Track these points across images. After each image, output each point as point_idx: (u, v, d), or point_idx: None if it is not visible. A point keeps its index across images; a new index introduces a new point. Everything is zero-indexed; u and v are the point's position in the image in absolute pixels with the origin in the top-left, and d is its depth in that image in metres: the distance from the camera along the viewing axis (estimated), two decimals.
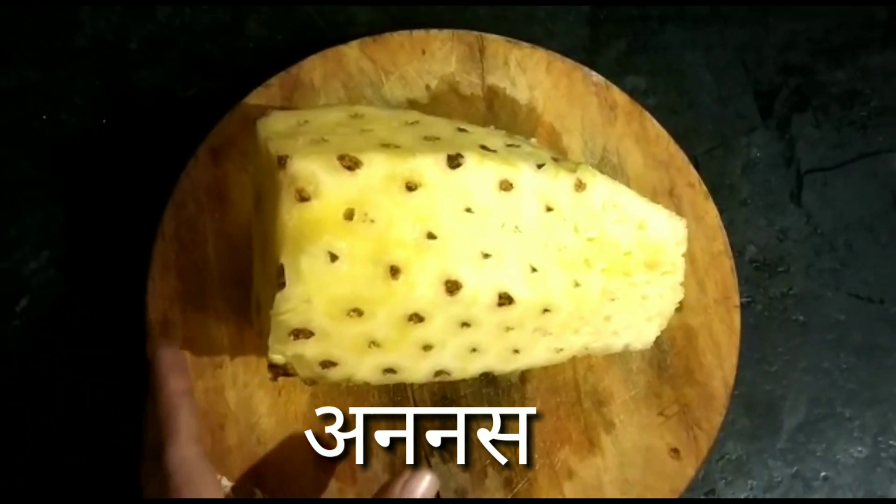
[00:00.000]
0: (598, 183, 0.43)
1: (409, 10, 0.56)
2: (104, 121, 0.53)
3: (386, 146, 0.39)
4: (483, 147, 0.41)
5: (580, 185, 0.42)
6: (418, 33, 0.53)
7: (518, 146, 0.43)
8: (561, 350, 0.45)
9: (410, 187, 0.38)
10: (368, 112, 0.44)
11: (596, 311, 0.44)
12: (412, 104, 0.52)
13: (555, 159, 0.43)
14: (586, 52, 0.57)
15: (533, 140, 0.49)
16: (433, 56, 0.53)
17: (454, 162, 0.38)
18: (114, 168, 0.52)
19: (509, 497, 0.49)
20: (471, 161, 0.39)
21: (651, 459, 0.50)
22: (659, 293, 0.46)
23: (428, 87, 0.53)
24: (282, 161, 0.37)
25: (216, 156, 0.50)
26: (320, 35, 0.55)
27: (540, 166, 0.41)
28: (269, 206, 0.39)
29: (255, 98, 0.51)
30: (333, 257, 0.37)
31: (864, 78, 0.60)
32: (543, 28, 0.57)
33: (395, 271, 0.37)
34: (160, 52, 0.54)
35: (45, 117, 0.53)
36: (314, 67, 0.52)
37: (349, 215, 0.37)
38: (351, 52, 0.52)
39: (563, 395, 0.50)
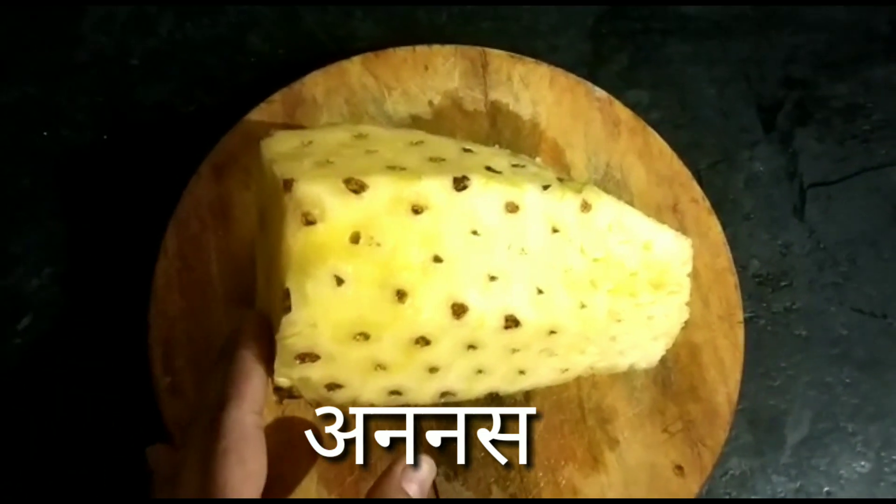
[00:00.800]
0: (604, 203, 0.43)
1: (410, 24, 0.56)
2: (105, 136, 0.53)
3: (392, 168, 0.38)
4: (489, 168, 0.41)
5: (586, 206, 0.42)
6: (421, 49, 0.53)
7: (523, 166, 0.43)
8: (566, 370, 0.45)
9: (416, 210, 0.38)
10: (372, 132, 0.44)
11: (602, 332, 0.44)
12: (415, 120, 0.52)
13: (560, 179, 0.43)
14: (588, 67, 0.57)
15: (538, 159, 0.49)
16: (436, 71, 0.53)
17: (460, 184, 0.38)
18: (116, 184, 0.52)
19: None
20: (477, 183, 0.39)
21: (655, 477, 0.50)
22: (665, 313, 0.46)
23: (431, 102, 0.53)
24: (287, 184, 0.37)
25: (219, 173, 0.50)
26: (322, 49, 0.55)
27: (546, 187, 0.41)
28: (274, 227, 0.39)
29: (257, 114, 0.51)
30: (339, 281, 0.36)
31: (866, 91, 0.60)
32: (545, 42, 0.57)
33: (401, 295, 0.37)
34: (161, 67, 0.54)
35: (45, 133, 0.53)
36: (316, 83, 0.52)
37: (355, 239, 0.37)
38: (353, 67, 0.52)
39: (567, 413, 0.50)
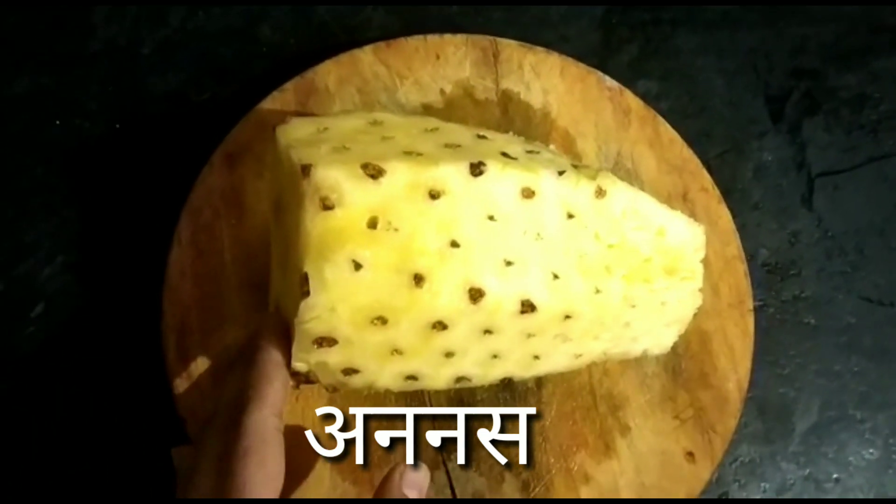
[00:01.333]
0: (618, 190, 0.43)
1: (421, 14, 0.56)
2: (118, 126, 0.53)
3: (408, 154, 0.39)
4: (504, 154, 0.41)
5: (600, 192, 0.42)
6: (433, 38, 0.53)
7: (538, 153, 0.43)
8: (580, 356, 0.45)
9: (433, 195, 0.38)
10: (388, 119, 0.44)
11: (616, 318, 0.44)
12: (427, 109, 0.52)
13: (574, 166, 0.43)
14: (598, 57, 0.57)
15: (551, 146, 0.49)
16: (447, 61, 0.53)
17: (477, 170, 0.39)
18: (128, 173, 0.52)
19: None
20: (493, 169, 0.39)
21: (667, 463, 0.50)
22: (678, 299, 0.47)
23: (443, 91, 0.53)
24: (305, 170, 0.37)
25: (232, 161, 0.50)
26: (334, 39, 0.55)
27: (561, 173, 0.41)
28: (291, 213, 0.39)
29: (269, 103, 0.51)
30: (357, 266, 0.37)
31: (873, 82, 0.60)
32: (556, 32, 0.57)
33: (418, 279, 0.37)
34: (173, 56, 0.54)
35: (58, 122, 0.53)
36: (329, 72, 0.52)
37: (373, 224, 0.37)
38: (365, 56, 0.52)
39: (578, 400, 0.50)
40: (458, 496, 0.48)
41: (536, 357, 0.44)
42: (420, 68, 0.53)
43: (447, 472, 0.49)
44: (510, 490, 0.49)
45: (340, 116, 0.45)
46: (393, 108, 0.52)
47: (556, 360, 0.45)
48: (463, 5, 0.57)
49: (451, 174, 0.38)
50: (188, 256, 0.49)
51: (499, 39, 0.54)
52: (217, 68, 0.54)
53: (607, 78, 0.54)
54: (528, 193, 0.40)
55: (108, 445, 0.50)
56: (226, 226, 0.49)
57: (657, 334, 0.47)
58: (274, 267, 0.46)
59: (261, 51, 0.55)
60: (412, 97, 0.52)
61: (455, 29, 0.54)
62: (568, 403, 0.50)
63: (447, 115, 0.52)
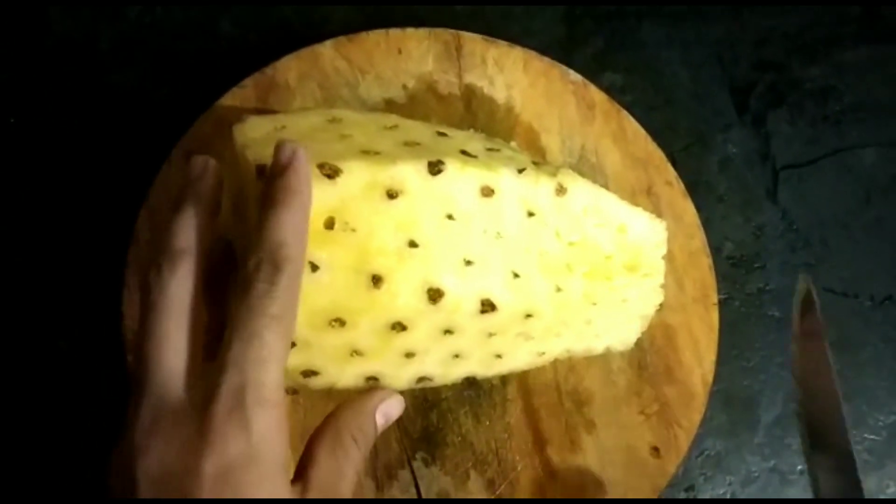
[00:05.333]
0: (579, 187, 0.43)
1: (384, 8, 0.56)
2: (75, 122, 0.52)
3: (366, 153, 0.38)
4: (463, 152, 0.40)
5: (561, 190, 0.42)
6: (394, 32, 0.52)
7: (498, 150, 0.43)
8: (543, 354, 0.45)
9: (391, 195, 0.37)
10: (346, 116, 0.43)
11: (578, 316, 0.44)
12: (389, 104, 0.52)
13: (535, 163, 0.43)
14: (563, 50, 0.57)
15: (513, 143, 0.49)
16: (409, 55, 0.52)
17: (435, 168, 0.38)
18: (87, 171, 0.52)
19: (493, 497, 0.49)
20: (452, 167, 0.39)
21: (632, 458, 0.50)
22: (639, 295, 0.47)
23: (405, 86, 0.52)
24: (261, 170, 0.37)
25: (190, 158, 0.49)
26: (295, 34, 0.55)
27: (521, 171, 0.41)
28: (248, 213, 0.39)
29: (229, 99, 0.50)
30: (314, 267, 0.36)
31: (837, 74, 0.60)
32: (520, 26, 0.57)
33: (377, 280, 0.37)
34: (131, 52, 0.53)
35: (13, 120, 0.52)
36: (289, 68, 0.51)
37: (329, 224, 0.37)
38: (326, 51, 0.51)
39: (544, 397, 0.50)
40: (424, 495, 0.48)
41: (498, 356, 0.43)
42: (382, 63, 0.52)
43: (412, 471, 0.49)
44: (475, 488, 0.49)
45: (299, 114, 0.44)
46: (355, 103, 0.51)
47: (518, 358, 0.45)
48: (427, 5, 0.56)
49: (409, 173, 0.38)
50: (147, 255, 0.48)
51: (461, 33, 0.53)
52: (176, 64, 0.54)
53: (571, 72, 0.54)
54: (487, 192, 0.40)
55: (65, 448, 0.49)
56: None
57: (620, 330, 0.47)
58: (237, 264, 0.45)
59: (221, 46, 0.54)
60: (374, 92, 0.52)
61: (418, 23, 0.53)
62: (534, 400, 0.50)
63: (410, 110, 0.52)
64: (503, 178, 0.40)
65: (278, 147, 0.35)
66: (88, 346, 0.50)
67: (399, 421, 0.43)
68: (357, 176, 0.37)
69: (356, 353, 0.39)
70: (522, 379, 0.50)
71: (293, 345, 0.37)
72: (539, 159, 0.46)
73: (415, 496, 0.48)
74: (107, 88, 0.53)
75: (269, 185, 0.35)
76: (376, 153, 0.38)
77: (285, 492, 0.32)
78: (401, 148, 0.40)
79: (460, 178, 0.39)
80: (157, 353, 0.33)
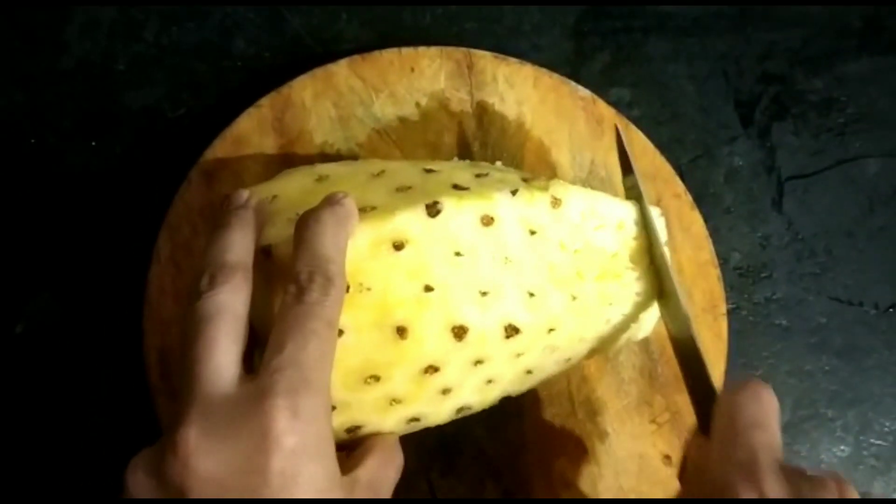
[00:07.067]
0: (572, 195, 0.43)
1: (395, 26, 0.57)
2: (93, 143, 0.53)
3: (363, 210, 0.39)
4: (455, 186, 0.41)
5: (556, 202, 0.43)
6: (407, 51, 0.53)
7: (487, 174, 0.43)
8: (569, 360, 0.46)
9: (397, 246, 0.38)
10: (332, 171, 0.44)
11: (597, 318, 0.45)
12: (403, 122, 0.53)
13: (524, 179, 0.43)
14: (571, 65, 0.58)
15: (498, 163, 0.50)
16: (422, 73, 0.53)
17: (433, 210, 0.39)
18: (105, 191, 0.52)
19: None
20: (448, 205, 0.39)
21: (644, 467, 0.51)
22: (651, 285, 0.47)
23: (418, 104, 0.53)
24: (266, 252, 0.38)
25: (209, 178, 0.50)
26: (308, 52, 0.56)
27: (514, 192, 0.41)
28: (262, 288, 0.38)
29: (246, 119, 0.51)
30: (340, 332, 0.37)
31: (840, 85, 0.61)
32: (529, 42, 0.58)
33: (401, 331, 0.38)
34: (148, 72, 0.54)
35: (33, 141, 0.53)
36: (304, 87, 0.52)
37: (346, 289, 0.37)
38: (340, 70, 0.52)
39: (557, 407, 0.51)
40: None
41: (529, 371, 0.44)
42: (395, 81, 0.53)
43: (429, 481, 0.50)
44: (491, 497, 0.50)
45: (285, 179, 0.45)
46: (369, 121, 0.52)
47: (547, 369, 0.46)
48: (436, 16, 0.57)
49: (410, 221, 0.39)
50: (168, 274, 0.49)
51: (472, 51, 0.54)
52: (192, 83, 0.54)
53: (580, 87, 0.55)
54: (487, 221, 0.40)
55: (91, 466, 0.50)
56: (205, 242, 0.49)
57: (639, 321, 0.48)
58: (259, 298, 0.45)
59: (235, 65, 0.55)
60: (388, 110, 0.53)
61: (429, 40, 0.54)
62: (547, 410, 0.51)
63: (423, 127, 0.53)
64: (499, 203, 0.41)
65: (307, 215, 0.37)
66: (111, 365, 0.51)
67: (415, 433, 0.44)
68: (361, 236, 0.38)
69: (395, 401, 0.40)
70: (536, 390, 0.51)
71: (333, 408, 0.38)
72: (528, 175, 0.46)
73: None
74: (124, 108, 0.54)
75: (311, 210, 0.37)
76: (373, 208, 0.39)
77: (338, 488, 0.34)
78: (394, 196, 0.40)
79: (458, 213, 0.39)
80: (207, 356, 0.34)
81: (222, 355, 0.34)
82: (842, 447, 0.57)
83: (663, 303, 0.46)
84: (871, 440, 0.57)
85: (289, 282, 0.35)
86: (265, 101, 0.51)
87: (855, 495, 0.35)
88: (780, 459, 0.36)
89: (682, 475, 0.43)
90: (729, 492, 0.35)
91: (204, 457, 0.31)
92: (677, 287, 0.44)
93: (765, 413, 0.37)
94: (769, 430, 0.37)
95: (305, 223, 0.37)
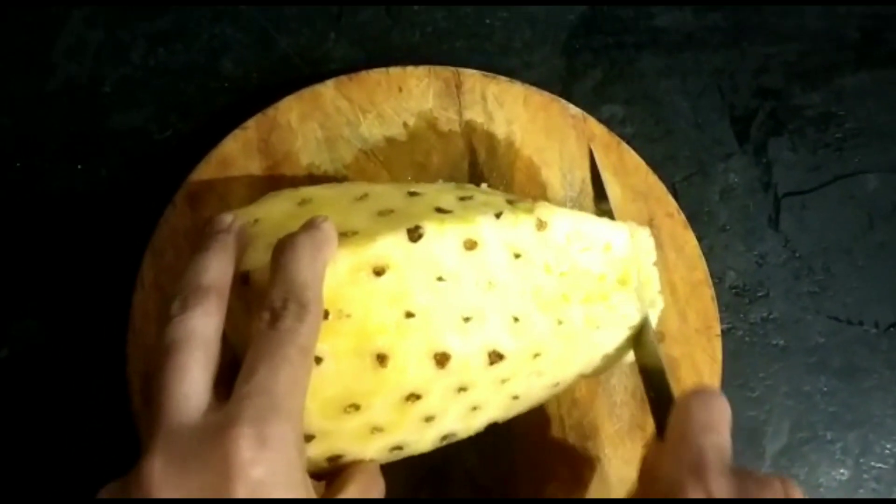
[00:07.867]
0: (557, 217, 0.42)
1: (384, 45, 0.56)
2: (79, 166, 0.53)
3: (344, 235, 0.38)
4: (438, 209, 0.40)
5: (541, 224, 0.42)
6: (395, 70, 0.53)
7: (471, 197, 0.43)
8: (557, 384, 0.45)
9: (378, 272, 0.37)
10: (315, 194, 0.43)
11: (584, 342, 0.44)
12: (390, 142, 0.52)
13: (509, 202, 0.42)
14: (563, 83, 0.57)
15: (483, 185, 0.49)
16: (410, 93, 0.53)
17: (415, 235, 0.38)
18: (91, 214, 0.52)
19: None
20: (430, 229, 0.38)
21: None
22: (638, 308, 0.46)
23: (406, 124, 0.53)
24: (245, 278, 0.37)
25: (194, 202, 0.49)
26: (296, 72, 0.55)
27: (498, 215, 0.40)
28: (240, 312, 0.38)
29: (231, 141, 0.50)
30: (318, 360, 0.36)
31: (837, 100, 0.60)
32: (520, 59, 0.57)
33: (382, 359, 0.37)
34: (135, 94, 0.54)
35: (18, 164, 0.52)
36: (291, 108, 0.51)
37: (325, 315, 0.36)
38: (327, 91, 0.52)
39: (548, 431, 0.50)
40: None
41: (515, 397, 0.43)
42: (383, 101, 0.52)
43: None
44: None
45: (268, 203, 0.44)
46: (357, 142, 0.52)
47: (534, 394, 0.45)
48: (426, 35, 0.56)
49: (391, 246, 0.38)
50: (152, 299, 0.49)
51: (461, 70, 0.53)
52: (179, 105, 0.54)
53: (570, 105, 0.54)
54: (470, 245, 0.39)
55: (74, 491, 0.49)
56: None
57: (626, 343, 0.47)
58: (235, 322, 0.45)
59: (223, 86, 0.55)
60: (375, 131, 0.52)
61: (418, 59, 0.54)
62: (538, 434, 0.50)
63: (410, 147, 0.52)
64: (483, 227, 0.40)
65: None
66: (94, 390, 0.50)
67: (404, 460, 0.43)
68: (341, 262, 0.37)
69: (376, 429, 0.39)
70: (527, 414, 0.50)
71: (312, 437, 0.37)
72: (513, 196, 0.45)
73: None
74: (111, 131, 0.53)
75: (289, 235, 0.37)
76: (354, 232, 0.38)
77: None
78: (376, 220, 0.40)
79: (441, 238, 0.39)
80: (174, 384, 0.33)
81: (189, 384, 0.33)
82: (841, 470, 0.56)
83: None
84: (872, 463, 0.56)
85: (263, 308, 0.35)
86: (251, 123, 0.51)
87: (800, 495, 0.37)
88: (729, 461, 0.38)
89: (639, 476, 0.43)
90: (678, 491, 0.36)
91: (168, 489, 0.30)
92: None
93: (715, 417, 0.39)
94: (719, 433, 0.39)
95: (282, 249, 0.36)
